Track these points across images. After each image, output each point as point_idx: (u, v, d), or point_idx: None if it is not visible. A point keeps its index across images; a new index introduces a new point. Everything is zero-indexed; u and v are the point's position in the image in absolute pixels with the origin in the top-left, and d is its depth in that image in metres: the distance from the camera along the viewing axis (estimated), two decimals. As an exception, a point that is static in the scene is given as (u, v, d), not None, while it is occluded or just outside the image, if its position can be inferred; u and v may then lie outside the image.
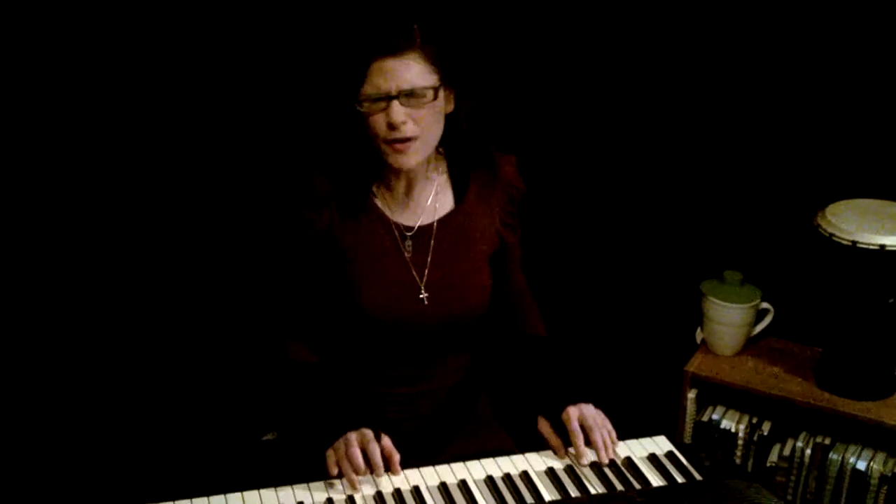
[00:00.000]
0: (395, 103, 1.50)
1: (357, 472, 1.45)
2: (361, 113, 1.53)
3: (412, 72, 1.51)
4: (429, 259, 1.64)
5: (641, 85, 2.47)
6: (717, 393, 2.32)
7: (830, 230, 2.04)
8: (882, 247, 1.99)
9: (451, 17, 2.28)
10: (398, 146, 1.53)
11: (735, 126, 2.40)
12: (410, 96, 1.51)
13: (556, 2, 2.47)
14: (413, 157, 1.55)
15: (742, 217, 2.45)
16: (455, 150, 1.66)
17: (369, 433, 1.49)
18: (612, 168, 2.59)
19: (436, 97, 1.53)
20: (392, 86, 1.50)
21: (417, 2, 1.71)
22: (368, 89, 1.51)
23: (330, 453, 1.49)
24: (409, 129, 1.52)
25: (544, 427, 1.60)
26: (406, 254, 1.63)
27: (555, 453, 1.57)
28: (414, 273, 1.63)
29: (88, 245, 2.33)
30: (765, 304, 2.32)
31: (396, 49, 1.50)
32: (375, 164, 1.61)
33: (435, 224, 1.65)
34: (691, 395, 2.33)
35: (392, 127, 1.51)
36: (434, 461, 1.53)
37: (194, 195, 2.45)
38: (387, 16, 1.52)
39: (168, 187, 2.42)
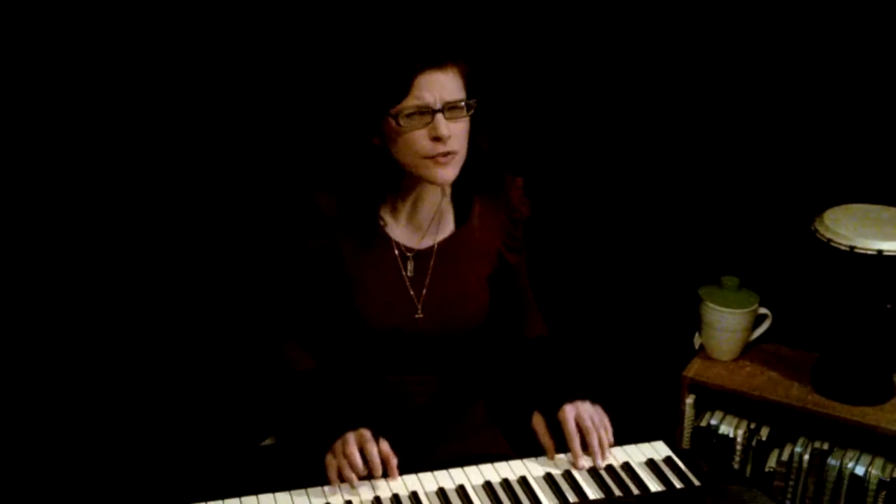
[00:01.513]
0: (440, 116, 1.50)
1: (354, 471, 1.45)
2: (393, 131, 1.51)
3: (454, 84, 1.52)
4: (427, 280, 1.65)
5: (640, 90, 2.48)
6: (715, 398, 2.32)
7: (828, 235, 2.05)
8: (879, 252, 1.99)
9: (479, 37, 2.29)
10: (442, 160, 1.51)
11: (732, 132, 2.40)
12: (452, 109, 1.51)
13: (556, 18, 2.48)
14: (453, 171, 1.54)
15: (740, 222, 2.45)
16: (463, 172, 1.65)
17: (367, 433, 1.50)
18: (609, 173, 2.59)
19: (469, 111, 1.54)
20: (437, 98, 1.50)
21: (456, 20, 1.70)
22: (412, 101, 1.49)
23: (329, 458, 1.49)
24: (451, 144, 1.51)
25: (539, 425, 1.60)
26: (407, 273, 1.65)
27: (545, 453, 1.57)
28: (412, 292, 1.64)
29: (92, 251, 2.33)
30: (762, 310, 2.32)
31: (442, 61, 1.50)
32: (384, 186, 1.62)
33: (436, 247, 1.66)
34: (689, 400, 2.33)
35: (438, 140, 1.50)
36: (432, 467, 1.53)
37: (202, 206, 2.45)
38: (433, 29, 1.52)
39: (177, 197, 2.42)
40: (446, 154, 1.51)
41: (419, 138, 1.51)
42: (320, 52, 2.37)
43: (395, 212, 1.65)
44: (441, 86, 1.50)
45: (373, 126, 1.55)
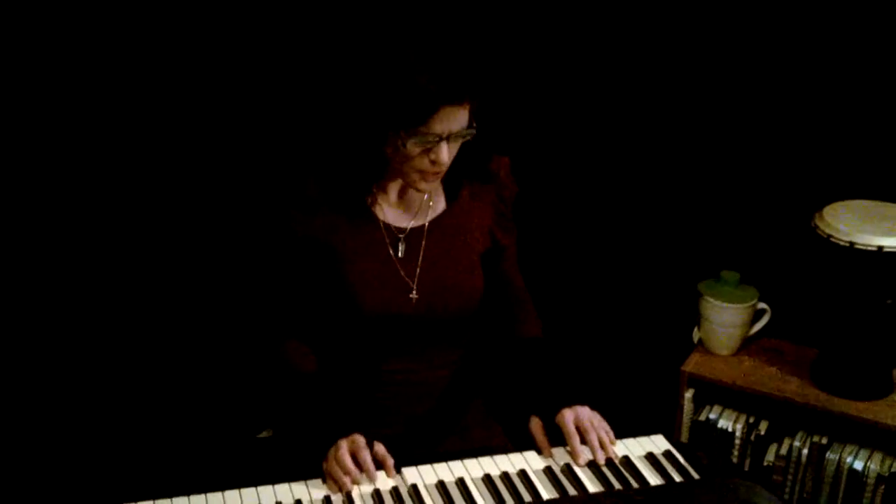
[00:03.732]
0: (444, 145, 1.52)
1: (348, 476, 1.45)
2: (394, 141, 1.51)
3: (464, 117, 1.53)
4: (420, 259, 1.65)
5: (639, 85, 2.48)
6: (714, 392, 2.32)
7: (828, 231, 2.05)
8: (880, 248, 1.99)
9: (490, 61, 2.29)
10: (431, 178, 1.57)
11: (733, 126, 2.40)
12: (456, 137, 1.53)
13: (557, 6, 2.47)
14: (437, 184, 1.62)
15: (740, 217, 2.45)
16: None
17: (360, 440, 1.50)
18: (609, 168, 2.59)
19: (469, 138, 1.56)
20: (445, 129, 1.51)
21: (477, 56, 1.69)
22: (425, 130, 1.50)
23: (325, 468, 1.49)
24: (444, 166, 1.55)
25: (535, 426, 1.60)
26: (398, 254, 1.65)
27: (538, 453, 1.57)
28: (405, 273, 1.64)
29: (87, 245, 2.32)
30: (762, 305, 2.32)
31: (462, 99, 1.51)
32: (376, 173, 1.62)
33: (426, 225, 1.67)
34: (688, 394, 2.33)
35: (434, 163, 1.53)
36: (432, 459, 1.53)
37: (194, 196, 2.45)
38: (460, 67, 1.51)
39: (170, 188, 2.42)
40: (438, 173, 1.56)
41: (418, 157, 1.53)
42: (339, 60, 2.36)
43: (383, 193, 1.66)
44: (454, 120, 1.51)
45: (378, 137, 1.55)
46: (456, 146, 1.56)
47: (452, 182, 1.69)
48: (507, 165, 1.74)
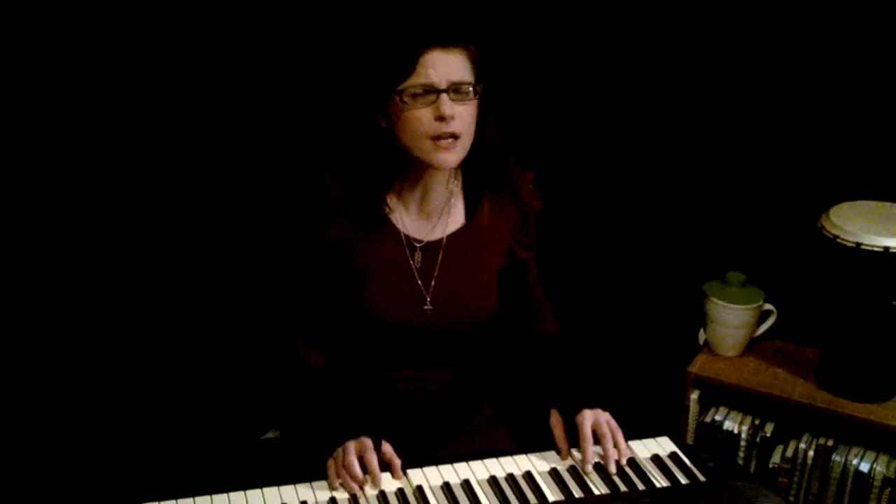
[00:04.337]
0: (444, 96, 1.49)
1: (354, 481, 1.45)
2: (398, 110, 1.50)
3: (460, 65, 1.51)
4: (436, 272, 1.64)
5: (643, 85, 2.47)
6: (719, 394, 2.32)
7: (834, 232, 2.04)
8: (886, 249, 1.99)
9: (489, 23, 2.29)
10: (444, 143, 1.50)
11: (739, 128, 2.40)
12: (457, 91, 1.50)
13: (567, 18, 2.47)
14: (455, 156, 1.53)
15: (745, 218, 2.44)
16: (473, 164, 1.64)
17: (368, 442, 1.49)
18: (615, 169, 2.58)
19: (476, 95, 1.53)
20: (442, 78, 1.49)
21: (465, 2, 1.68)
22: (416, 80, 1.49)
23: (330, 463, 1.49)
24: (455, 126, 1.50)
25: (556, 424, 1.59)
26: (414, 265, 1.64)
27: (558, 453, 1.56)
28: (420, 284, 1.64)
29: (94, 245, 2.33)
30: (768, 306, 2.32)
31: (449, 41, 1.49)
32: (390, 171, 1.60)
33: (445, 240, 1.65)
34: (694, 396, 2.33)
35: (441, 119, 1.49)
36: (437, 461, 1.53)
37: (205, 198, 2.45)
38: (442, 9, 1.50)
39: (179, 188, 2.42)
40: (450, 136, 1.50)
41: (423, 117, 1.50)
42: (328, 29, 2.35)
43: (403, 203, 1.64)
44: (447, 66, 1.49)
45: (378, 104, 1.53)
46: (464, 106, 1.51)
47: (473, 195, 1.68)
48: (531, 181, 1.71)
